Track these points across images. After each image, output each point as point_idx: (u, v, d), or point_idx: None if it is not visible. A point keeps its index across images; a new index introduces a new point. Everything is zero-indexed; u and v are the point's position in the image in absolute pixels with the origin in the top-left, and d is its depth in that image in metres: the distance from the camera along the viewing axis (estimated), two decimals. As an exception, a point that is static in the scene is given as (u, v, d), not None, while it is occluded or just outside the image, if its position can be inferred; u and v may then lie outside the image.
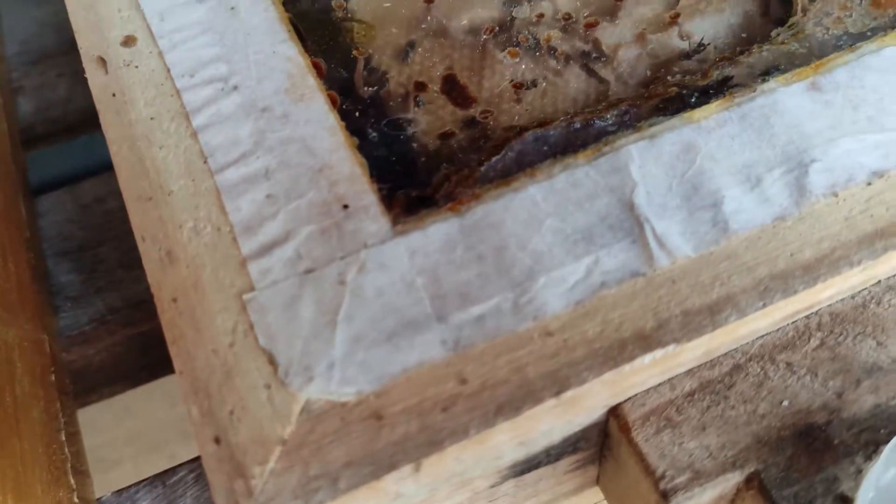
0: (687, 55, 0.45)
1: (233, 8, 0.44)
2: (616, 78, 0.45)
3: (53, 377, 0.51)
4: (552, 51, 0.45)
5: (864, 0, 0.43)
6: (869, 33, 0.42)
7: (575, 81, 0.45)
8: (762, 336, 0.35)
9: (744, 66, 0.42)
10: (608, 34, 0.46)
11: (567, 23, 0.46)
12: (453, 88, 0.43)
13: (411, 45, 0.45)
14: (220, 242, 0.37)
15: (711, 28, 0.46)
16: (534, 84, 0.44)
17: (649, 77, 0.44)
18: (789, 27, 0.43)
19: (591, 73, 0.45)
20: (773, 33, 0.43)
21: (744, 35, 0.44)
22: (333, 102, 0.41)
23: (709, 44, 0.45)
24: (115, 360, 0.57)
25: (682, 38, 0.46)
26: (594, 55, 0.45)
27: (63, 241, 0.58)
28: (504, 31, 0.46)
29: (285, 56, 0.42)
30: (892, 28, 0.42)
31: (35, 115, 0.64)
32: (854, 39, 0.42)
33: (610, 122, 0.40)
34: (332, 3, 0.46)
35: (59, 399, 0.50)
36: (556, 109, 0.43)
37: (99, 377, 0.56)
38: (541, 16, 0.47)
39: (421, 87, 0.43)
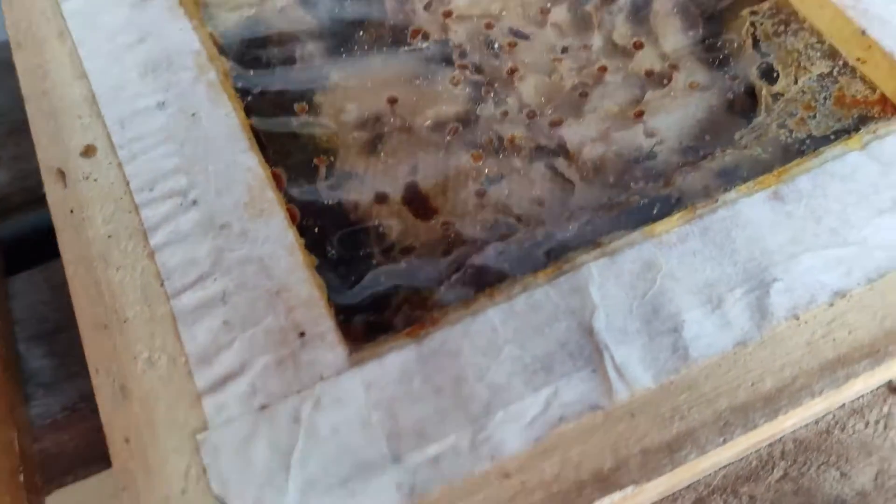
0: (651, 155, 0.44)
1: (194, 115, 0.44)
2: (581, 178, 0.44)
3: (22, 476, 0.50)
4: (517, 151, 0.45)
5: (828, 99, 0.43)
6: (833, 136, 0.42)
7: (540, 181, 0.45)
8: (725, 466, 0.35)
9: (707, 171, 0.42)
10: (573, 132, 0.45)
11: (532, 120, 0.46)
12: (415, 198, 0.43)
13: (373, 149, 0.44)
14: (174, 375, 0.36)
15: (676, 123, 0.45)
16: (499, 180, 0.44)
17: (614, 178, 0.44)
18: (753, 129, 0.43)
19: (555, 173, 0.45)
20: (737, 136, 0.43)
21: (707, 137, 0.44)
22: (293, 217, 0.40)
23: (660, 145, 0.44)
24: (87, 446, 0.56)
25: (647, 135, 0.45)
26: (559, 154, 0.45)
27: (36, 324, 0.58)
28: (468, 130, 0.46)
29: (245, 167, 0.42)
30: (856, 130, 0.41)
31: (11, 184, 0.63)
32: (817, 144, 0.42)
33: (570, 234, 0.40)
34: (295, 108, 0.45)
35: (28, 499, 0.50)
36: (520, 214, 0.42)
37: (70, 462, 0.56)
38: (505, 113, 0.46)
39: (382, 198, 0.42)
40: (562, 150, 0.45)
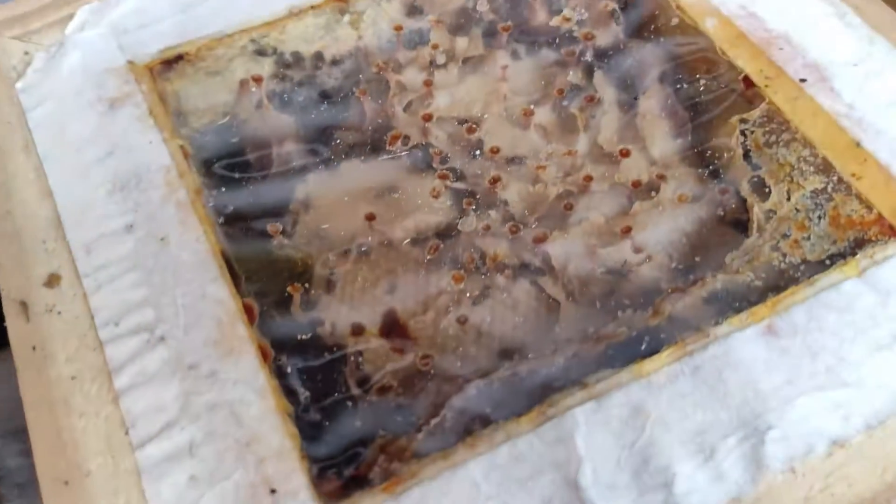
0: (639, 273, 0.42)
1: (162, 239, 0.42)
2: (567, 296, 0.43)
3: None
4: (500, 269, 0.43)
5: (823, 218, 0.41)
6: (828, 261, 0.40)
7: (524, 302, 0.43)
8: None
9: (696, 298, 0.40)
10: (558, 247, 0.44)
11: (515, 235, 0.44)
12: (393, 328, 0.41)
13: (350, 271, 0.43)
14: (140, 538, 0.34)
15: (665, 238, 0.44)
16: (481, 302, 0.42)
17: (600, 298, 0.42)
18: (744, 251, 0.41)
19: (540, 291, 0.43)
20: (728, 258, 0.41)
21: (697, 258, 0.42)
22: (265, 356, 0.39)
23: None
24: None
25: (634, 251, 0.43)
26: (544, 272, 0.43)
27: (7, 421, 0.55)
28: (449, 246, 0.44)
29: (215, 299, 0.40)
30: (853, 254, 0.40)
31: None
32: (812, 269, 0.40)
33: (556, 370, 0.38)
34: (269, 229, 0.43)
35: None
36: (503, 346, 0.40)
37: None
38: (487, 227, 0.45)
39: (358, 329, 0.40)
40: (547, 267, 0.43)
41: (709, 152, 0.46)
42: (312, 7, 0.51)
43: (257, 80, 0.50)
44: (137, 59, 0.49)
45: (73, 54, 0.49)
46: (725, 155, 0.45)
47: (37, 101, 0.48)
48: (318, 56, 0.52)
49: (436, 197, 0.46)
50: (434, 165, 0.47)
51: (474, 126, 0.48)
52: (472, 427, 0.37)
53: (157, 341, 0.39)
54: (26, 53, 0.50)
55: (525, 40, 0.52)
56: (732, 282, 0.40)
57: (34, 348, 0.40)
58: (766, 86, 0.45)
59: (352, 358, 0.40)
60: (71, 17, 0.51)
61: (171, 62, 0.50)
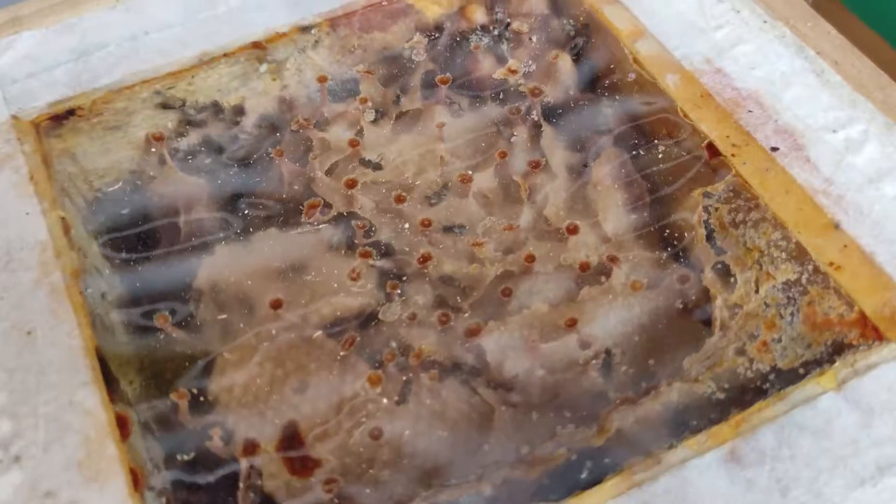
0: (583, 373, 0.36)
1: (29, 333, 0.36)
2: (501, 402, 0.37)
3: None
4: (426, 367, 0.37)
5: (795, 316, 0.35)
6: (801, 370, 0.34)
7: (453, 404, 0.37)
8: None
9: (649, 412, 0.34)
10: (494, 342, 0.38)
11: (445, 326, 0.38)
12: (293, 445, 0.34)
13: (246, 372, 0.36)
14: None
15: (618, 328, 0.38)
16: (400, 409, 0.36)
17: (540, 406, 0.36)
18: (705, 355, 0.35)
19: (472, 393, 0.37)
20: (686, 363, 0.35)
21: (651, 360, 0.36)
22: (136, 481, 0.32)
23: (613, 356, 0.37)
24: None
25: (581, 346, 0.37)
26: (477, 372, 0.37)
27: None
28: (367, 338, 0.38)
29: (83, 409, 0.34)
30: (830, 362, 0.34)
31: None
32: (783, 380, 0.34)
33: (481, 502, 0.32)
34: (154, 319, 0.37)
35: None
36: (422, 467, 0.34)
37: None
38: (413, 316, 0.39)
39: (252, 447, 0.34)
40: (480, 364, 0.37)
41: (667, 231, 0.40)
42: (225, 54, 0.45)
43: (158, 138, 0.44)
44: (23, 113, 0.43)
45: (-52, 107, 0.43)
46: (686, 235, 0.40)
47: None
48: (232, 110, 0.45)
49: (355, 279, 0.39)
50: (356, 241, 0.41)
51: (404, 194, 0.42)
52: (379, 575, 0.30)
53: (12, 462, 0.33)
54: None
55: (466, 94, 0.46)
56: (690, 393, 0.34)
57: None
58: (733, 154, 0.40)
59: (242, 480, 0.33)
60: (-50, 62, 0.45)
61: (62, 117, 0.43)
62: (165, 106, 0.46)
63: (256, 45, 0.46)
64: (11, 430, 0.34)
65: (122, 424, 0.34)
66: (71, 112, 0.44)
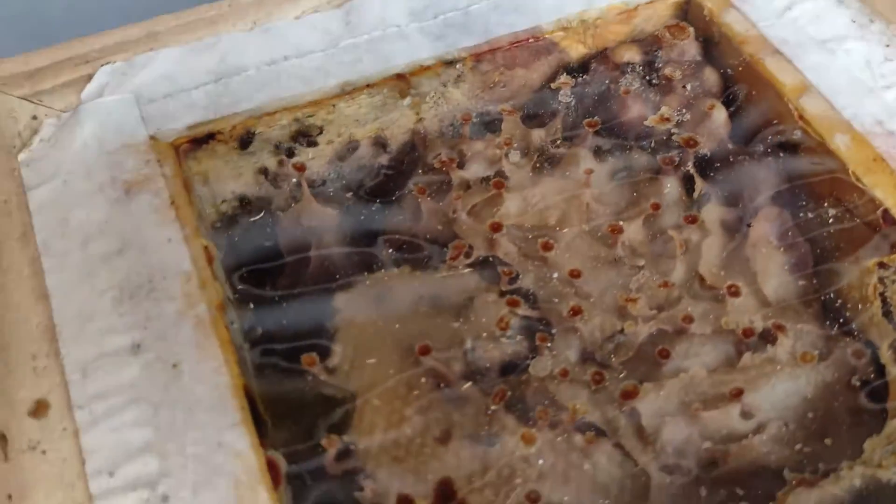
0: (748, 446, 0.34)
1: (175, 366, 0.34)
2: (659, 467, 0.35)
3: None
4: (580, 428, 0.35)
5: None
6: None
7: (607, 466, 0.35)
8: None
9: (827, 497, 0.32)
10: (649, 406, 0.36)
11: (598, 385, 0.36)
12: (447, 501, 0.32)
13: (399, 423, 0.35)
14: None
15: (783, 401, 0.36)
16: (554, 474, 0.34)
17: (701, 473, 0.34)
18: (887, 438, 0.33)
19: (626, 456, 0.35)
20: (867, 446, 0.33)
21: (827, 440, 0.34)
22: (290, 533, 0.30)
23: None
24: None
25: (744, 417, 0.35)
26: (632, 436, 0.35)
27: None
28: (517, 394, 0.36)
29: (234, 451, 0.32)
30: None
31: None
32: (979, 473, 0.31)
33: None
34: (303, 361, 0.36)
35: None
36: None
37: None
38: (564, 373, 0.37)
39: (405, 501, 0.32)
40: (636, 427, 0.35)
41: (839, 301, 0.38)
42: (368, 85, 0.44)
43: (299, 167, 0.42)
44: (162, 134, 0.42)
45: (87, 124, 0.42)
46: (860, 307, 0.37)
47: (41, 178, 0.40)
48: (371, 143, 0.44)
49: (504, 329, 0.38)
50: (501, 286, 0.39)
51: (551, 242, 0.40)
52: None
53: (160, 501, 0.31)
54: (34, 118, 0.43)
55: (615, 141, 0.44)
56: (875, 479, 0.32)
57: (10, 497, 0.32)
58: (908, 224, 0.37)
59: None
60: (89, 77, 0.44)
61: (202, 140, 0.42)
62: (304, 134, 0.44)
63: (400, 77, 0.45)
64: (159, 468, 0.33)
65: (272, 470, 0.33)
66: (211, 136, 0.43)
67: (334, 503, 0.33)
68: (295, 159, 0.44)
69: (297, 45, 0.46)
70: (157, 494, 0.32)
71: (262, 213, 0.43)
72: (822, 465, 0.34)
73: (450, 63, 0.46)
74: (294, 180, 0.43)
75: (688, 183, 0.43)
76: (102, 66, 0.45)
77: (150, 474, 0.32)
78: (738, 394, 0.36)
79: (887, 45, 0.45)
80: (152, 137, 0.42)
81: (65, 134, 0.43)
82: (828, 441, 0.35)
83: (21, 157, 0.42)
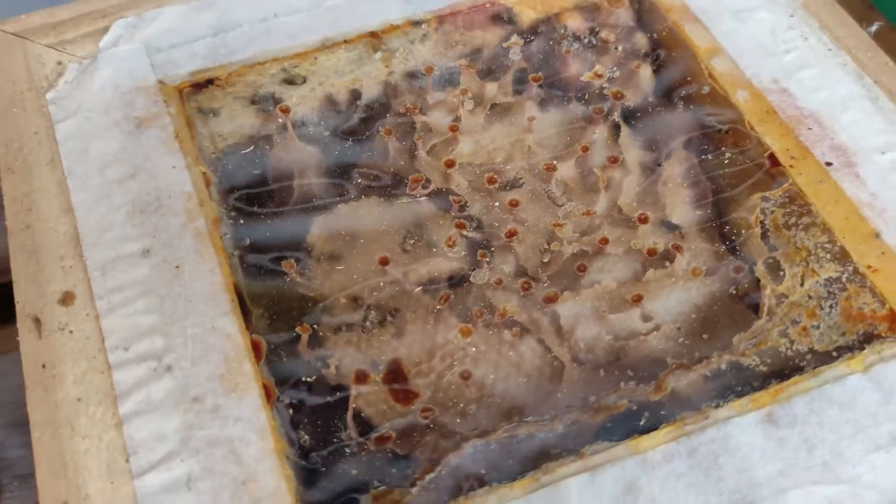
0: (645, 342, 0.43)
1: (178, 267, 0.43)
2: (572, 359, 0.43)
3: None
4: (508, 325, 0.43)
5: (834, 309, 0.41)
6: (835, 353, 0.40)
7: (530, 358, 0.43)
8: None
9: (700, 377, 0.40)
10: (568, 309, 0.44)
11: (527, 292, 0.44)
12: (396, 378, 0.41)
13: (360, 315, 0.43)
14: (129, 568, 0.35)
15: (675, 309, 0.44)
16: (486, 359, 0.42)
17: (605, 365, 0.42)
18: (752, 334, 0.41)
19: (546, 351, 0.43)
20: (736, 339, 0.41)
21: (705, 335, 0.42)
22: (268, 395, 0.39)
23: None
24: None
25: (643, 319, 0.44)
26: (552, 332, 0.43)
27: (15, 409, 0.56)
28: (459, 297, 0.44)
29: (225, 333, 0.40)
30: (860, 349, 0.40)
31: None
32: (818, 360, 0.40)
33: (554, 437, 0.38)
34: (283, 265, 0.44)
35: None
36: (504, 406, 0.40)
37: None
38: (499, 281, 0.45)
39: (363, 377, 0.41)
40: (555, 327, 0.43)
41: (727, 227, 0.46)
42: (346, 41, 0.52)
43: (284, 109, 0.50)
44: (168, 79, 0.50)
45: (105, 69, 0.50)
46: (744, 232, 0.45)
47: (65, 113, 0.48)
48: (349, 91, 0.52)
49: (451, 245, 0.46)
50: (452, 212, 0.47)
51: (495, 176, 0.49)
52: (466, 486, 0.37)
53: (164, 370, 0.40)
54: (59, 63, 0.51)
55: (555, 92, 0.52)
56: (737, 364, 0.40)
57: (44, 366, 0.40)
58: (791, 166, 0.45)
59: (353, 403, 0.40)
60: (106, 29, 0.52)
61: (202, 85, 0.50)
62: (289, 82, 0.52)
63: (373, 35, 0.52)
64: (164, 345, 0.41)
65: (255, 348, 0.41)
66: (210, 81, 0.51)
67: (304, 376, 0.41)
68: (281, 103, 0.51)
69: (285, 4, 0.54)
70: (163, 364, 0.40)
71: (252, 148, 0.51)
72: (697, 354, 0.42)
73: (416, 23, 0.53)
74: (280, 121, 0.51)
75: (614, 130, 0.51)
76: (117, 20, 0.53)
77: (157, 350, 0.41)
78: (637, 299, 0.44)
79: (791, 16, 0.52)
80: (160, 81, 0.50)
81: (85, 77, 0.50)
82: (705, 336, 0.43)
83: (48, 95, 0.50)
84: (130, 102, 0.49)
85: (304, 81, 0.52)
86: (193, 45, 0.52)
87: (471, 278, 0.45)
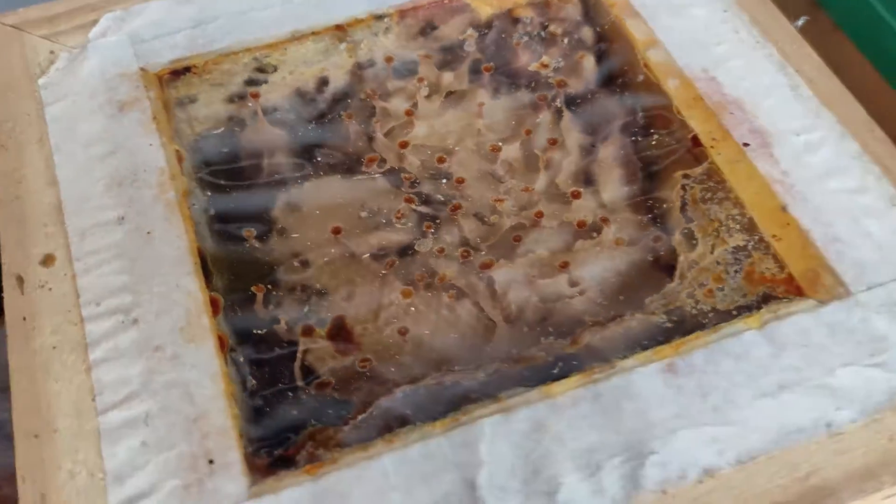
0: (570, 304, 0.47)
1: (149, 233, 0.47)
2: (503, 319, 0.47)
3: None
4: (447, 288, 0.48)
5: (738, 273, 0.46)
6: (735, 312, 0.44)
7: (465, 318, 0.48)
8: None
9: (613, 333, 0.44)
10: (502, 274, 0.48)
11: (465, 260, 0.49)
12: (339, 333, 0.46)
13: (310, 277, 0.48)
14: (91, 490, 0.40)
15: (599, 275, 0.48)
16: (424, 318, 0.47)
17: (532, 323, 0.47)
18: (663, 295, 0.45)
19: (480, 311, 0.48)
20: (648, 300, 0.45)
21: (621, 297, 0.47)
22: (222, 345, 0.44)
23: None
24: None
25: (570, 284, 0.48)
26: (487, 295, 0.48)
27: (3, 379, 0.60)
28: (404, 263, 0.49)
29: (186, 291, 0.45)
30: (758, 308, 0.44)
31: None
32: (720, 318, 0.44)
33: (476, 384, 0.43)
34: (243, 233, 0.49)
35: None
36: (436, 357, 0.45)
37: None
38: (441, 250, 0.49)
39: (308, 330, 0.46)
40: (489, 291, 0.48)
41: (651, 202, 0.51)
42: (313, 33, 0.56)
43: (255, 95, 0.55)
44: (149, 66, 0.55)
45: (92, 58, 0.55)
46: (665, 206, 0.50)
47: (55, 97, 0.53)
48: (316, 79, 0.57)
49: (399, 218, 0.51)
50: (403, 189, 0.52)
51: (445, 157, 0.53)
52: (393, 425, 0.42)
53: (131, 323, 0.44)
54: (51, 52, 0.56)
55: (505, 81, 0.57)
56: (647, 321, 0.45)
57: (24, 319, 0.45)
58: (712, 147, 0.50)
59: (299, 354, 0.45)
60: (95, 22, 0.57)
61: (180, 72, 0.55)
62: (261, 70, 0.57)
63: (339, 28, 0.57)
64: (132, 301, 0.46)
65: (214, 304, 0.46)
66: (187, 69, 0.56)
67: (257, 330, 0.46)
68: (253, 89, 0.56)
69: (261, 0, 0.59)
70: (130, 318, 0.45)
71: (224, 129, 0.56)
72: (612, 312, 0.46)
73: (379, 17, 0.58)
74: (251, 106, 0.56)
75: (557, 115, 0.55)
76: (106, 13, 0.58)
77: (125, 305, 0.46)
78: (564, 265, 0.48)
79: (725, 11, 0.57)
80: (142, 69, 0.55)
81: (74, 65, 0.56)
82: (622, 298, 0.47)
83: (40, 81, 0.55)
84: (114, 88, 0.54)
85: (276, 70, 0.57)
86: (175, 37, 0.57)
87: (416, 247, 0.49)
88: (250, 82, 0.56)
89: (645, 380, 0.42)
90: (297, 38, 0.57)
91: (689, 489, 0.38)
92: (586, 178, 0.52)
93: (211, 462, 0.40)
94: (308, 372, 0.44)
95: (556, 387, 0.42)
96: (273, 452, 0.41)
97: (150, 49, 0.56)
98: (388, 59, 0.57)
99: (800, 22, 0.55)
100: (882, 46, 0.62)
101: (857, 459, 0.40)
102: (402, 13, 0.58)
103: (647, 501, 0.38)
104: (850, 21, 0.65)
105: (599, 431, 0.40)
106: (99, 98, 0.53)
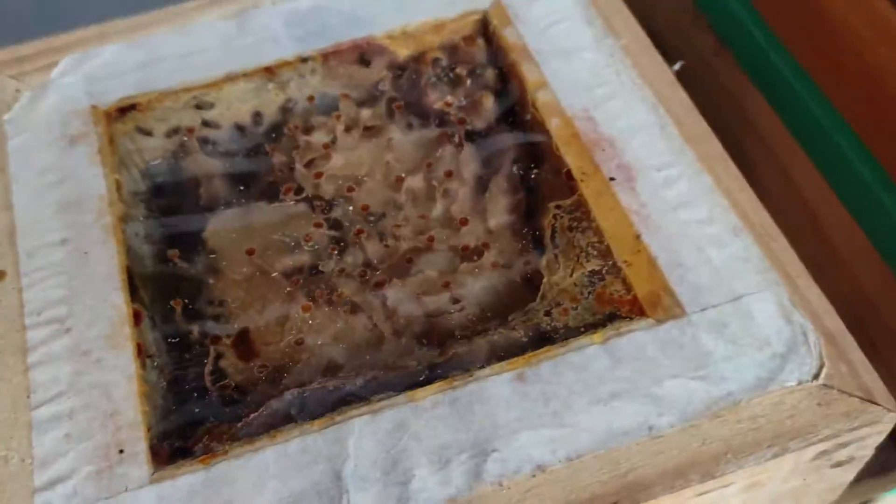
0: (451, 320, 0.54)
1: (86, 253, 0.55)
2: (392, 332, 0.55)
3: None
4: (344, 304, 0.55)
5: (591, 294, 0.53)
6: (583, 329, 0.51)
7: (359, 331, 0.55)
8: None
9: (477, 346, 0.52)
10: (394, 292, 0.56)
11: (363, 279, 0.56)
12: (243, 342, 0.53)
13: (222, 294, 0.55)
14: (21, 473, 0.47)
15: (477, 295, 0.55)
16: (320, 330, 0.54)
17: (416, 336, 0.54)
18: (525, 313, 0.53)
19: (373, 326, 0.55)
20: (511, 317, 0.53)
21: (489, 314, 0.54)
22: (140, 351, 0.51)
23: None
24: None
25: (452, 302, 0.55)
26: (379, 311, 0.55)
27: None
28: (309, 282, 0.56)
29: (113, 304, 0.53)
30: (603, 325, 0.51)
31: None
32: (569, 334, 0.51)
33: (355, 389, 0.50)
34: (168, 254, 0.56)
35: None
36: (323, 365, 0.52)
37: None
38: (342, 270, 0.57)
39: (216, 339, 0.53)
40: (383, 306, 0.55)
41: (527, 229, 0.58)
42: (245, 74, 0.64)
43: (190, 130, 0.63)
44: (100, 104, 0.62)
45: (51, 96, 0.63)
46: (538, 233, 0.57)
47: (17, 131, 0.61)
48: (250, 115, 0.64)
49: (308, 241, 0.58)
50: (315, 214, 0.60)
51: (354, 186, 0.61)
52: (279, 424, 0.49)
53: (65, 331, 0.52)
54: (17, 91, 0.64)
55: (415, 118, 0.64)
56: (508, 336, 0.52)
57: (-25, 326, 0.53)
58: (582, 180, 0.57)
59: (208, 361, 0.53)
60: (57, 64, 0.65)
61: (126, 109, 0.63)
62: (199, 107, 0.65)
63: (268, 70, 0.65)
64: (67, 312, 0.53)
65: (136, 316, 0.53)
66: (133, 106, 0.64)
67: (172, 338, 0.54)
68: (191, 124, 0.64)
69: (201, 44, 0.66)
70: (64, 327, 0.53)
71: (167, 160, 0.63)
72: (479, 327, 0.53)
73: (305, 60, 0.66)
74: (187, 139, 0.63)
75: (458, 149, 0.63)
76: (67, 56, 0.66)
77: (61, 315, 0.53)
78: (446, 285, 0.55)
79: (611, 56, 0.64)
80: (92, 106, 0.63)
81: (35, 102, 0.63)
82: (489, 314, 0.54)
83: (5, 117, 0.63)
84: (67, 123, 0.62)
85: (213, 107, 0.65)
86: (124, 78, 0.65)
87: (320, 267, 0.57)
88: (190, 118, 0.64)
89: (497, 387, 0.49)
90: (231, 78, 0.64)
91: (522, 482, 0.46)
92: (477, 207, 0.59)
93: (121, 451, 0.47)
94: (214, 376, 0.52)
95: (420, 392, 0.49)
96: (174, 444, 0.48)
97: (101, 89, 0.63)
98: (310, 99, 0.64)
99: (676, 66, 0.62)
100: (769, 80, 0.69)
101: (671, 460, 0.46)
102: (326, 56, 0.65)
103: (485, 492, 0.45)
104: (744, 57, 0.71)
105: (452, 431, 0.47)
106: (54, 132, 0.61)
